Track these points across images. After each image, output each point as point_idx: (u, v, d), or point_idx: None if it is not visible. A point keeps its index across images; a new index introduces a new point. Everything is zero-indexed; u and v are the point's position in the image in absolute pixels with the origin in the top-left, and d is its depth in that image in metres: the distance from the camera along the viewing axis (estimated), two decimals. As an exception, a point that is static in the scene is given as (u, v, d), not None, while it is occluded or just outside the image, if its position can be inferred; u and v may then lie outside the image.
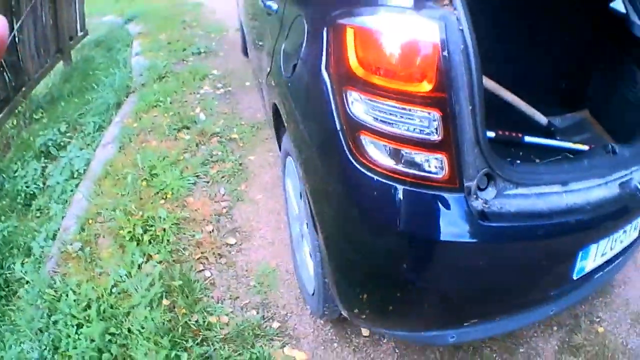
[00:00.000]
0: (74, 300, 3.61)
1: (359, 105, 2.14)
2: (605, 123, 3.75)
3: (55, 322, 3.52)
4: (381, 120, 2.09)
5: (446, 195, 2.14)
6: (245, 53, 7.45)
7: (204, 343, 3.33)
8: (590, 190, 2.51)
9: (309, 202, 2.75)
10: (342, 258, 2.64)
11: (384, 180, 2.15)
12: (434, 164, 2.08)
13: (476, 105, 2.03)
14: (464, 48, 1.97)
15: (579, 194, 2.46)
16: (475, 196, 2.16)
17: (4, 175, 6.09)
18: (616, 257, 2.96)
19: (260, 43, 4.07)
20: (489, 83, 3.42)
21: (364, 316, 2.72)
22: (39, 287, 3.86)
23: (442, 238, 2.18)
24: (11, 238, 4.86)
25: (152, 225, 4.24)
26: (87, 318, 3.46)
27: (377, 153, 2.14)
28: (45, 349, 3.38)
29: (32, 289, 3.93)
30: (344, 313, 2.82)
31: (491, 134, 3.10)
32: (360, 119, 2.14)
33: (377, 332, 3.08)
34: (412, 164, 2.10)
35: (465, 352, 3.39)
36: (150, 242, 4.11)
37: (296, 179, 3.18)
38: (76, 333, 3.39)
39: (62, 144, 6.35)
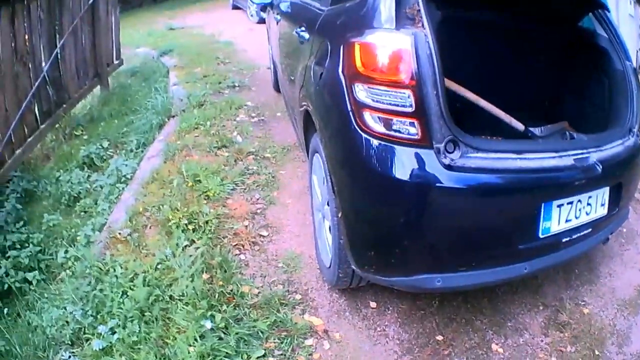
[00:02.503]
0: (121, 273, 4.07)
1: (362, 93, 3.08)
2: (580, 129, 4.18)
3: (101, 290, 3.95)
4: (376, 101, 3.03)
5: (421, 151, 2.98)
6: (276, 89, 8.17)
7: (237, 308, 3.80)
8: (544, 160, 3.22)
9: (330, 177, 3.55)
10: (356, 217, 3.38)
11: (380, 142, 3.04)
12: (411, 128, 2.97)
13: (439, 91, 2.94)
14: (430, 53, 2.94)
15: (531, 161, 3.17)
16: (443, 155, 2.96)
17: (45, 181, 6.49)
18: (585, 228, 3.53)
19: (292, 77, 4.85)
20: (470, 94, 4.03)
21: (372, 269, 3.41)
22: (87, 262, 4.28)
23: (417, 181, 3.00)
24: (55, 229, 5.34)
25: (195, 219, 4.75)
26: (132, 287, 3.91)
27: (375, 124, 3.05)
28: (88, 310, 3.81)
29: (80, 264, 4.37)
30: (356, 269, 3.50)
31: (481, 138, 3.69)
32: (364, 101, 3.07)
33: (380, 282, 3.59)
34: (397, 128, 3.00)
35: (458, 324, 3.87)
36: (194, 231, 4.62)
37: (321, 171, 3.92)
38: (121, 297, 3.83)
39: (104, 157, 6.80)
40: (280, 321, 3.78)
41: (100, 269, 4.21)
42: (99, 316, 3.78)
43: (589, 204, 3.50)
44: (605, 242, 4.14)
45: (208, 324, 3.58)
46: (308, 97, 4.01)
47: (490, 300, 4.11)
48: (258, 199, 5.35)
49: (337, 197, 3.47)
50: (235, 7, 20.21)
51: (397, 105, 2.97)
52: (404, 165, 3.00)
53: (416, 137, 2.97)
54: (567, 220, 3.40)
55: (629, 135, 3.73)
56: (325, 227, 4.04)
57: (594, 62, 4.24)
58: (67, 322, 3.80)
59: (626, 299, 4.24)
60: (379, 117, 3.03)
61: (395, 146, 3.01)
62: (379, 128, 3.03)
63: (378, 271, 3.42)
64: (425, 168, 2.98)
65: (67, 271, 4.47)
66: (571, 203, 3.39)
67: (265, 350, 3.55)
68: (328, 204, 3.80)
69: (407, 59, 2.94)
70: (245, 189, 5.54)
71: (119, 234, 4.69)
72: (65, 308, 3.91)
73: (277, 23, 6.51)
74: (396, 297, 4.07)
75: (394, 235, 3.20)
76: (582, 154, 3.37)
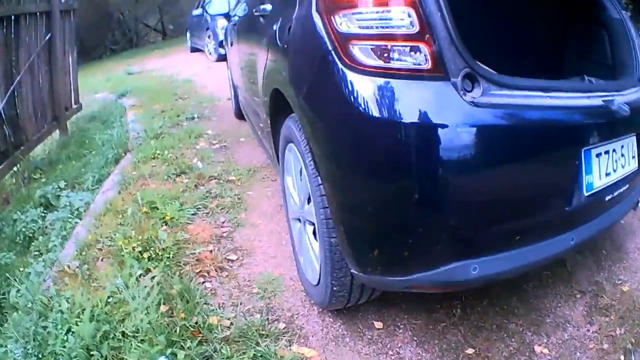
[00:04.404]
0: (67, 308, 3.41)
1: (345, 23, 2.44)
2: None
3: (44, 327, 3.33)
4: (365, 27, 2.40)
5: (435, 84, 2.30)
6: (238, 116, 7.78)
7: (204, 343, 3.11)
8: (574, 99, 2.72)
9: (312, 157, 2.87)
10: (353, 195, 2.63)
11: (377, 79, 2.36)
12: (417, 55, 2.30)
13: (444, 11, 2.30)
14: None
15: (562, 99, 2.63)
16: (462, 92, 2.29)
17: (3, 223, 6.02)
18: (622, 184, 3.04)
19: (254, 74, 4.30)
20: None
21: (379, 269, 2.65)
22: (31, 294, 3.71)
23: (437, 123, 2.28)
24: (7, 269, 4.75)
25: (151, 246, 4.09)
26: (78, 322, 3.24)
27: (366, 57, 2.38)
28: (30, 348, 3.22)
29: (24, 298, 3.77)
30: (358, 273, 2.76)
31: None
32: (348, 32, 2.43)
33: (391, 287, 2.85)
34: (398, 58, 2.32)
35: (489, 331, 3.29)
36: (149, 259, 3.93)
37: (298, 164, 3.26)
38: (66, 334, 3.20)
39: (60, 196, 6.22)
40: (261, 356, 3.05)
41: (44, 303, 3.56)
42: (41, 356, 3.16)
43: (622, 155, 3.03)
44: (636, 207, 3.60)
45: (162, 360, 2.84)
46: (276, 72, 3.38)
47: (520, 298, 3.58)
48: (223, 222, 4.67)
49: (324, 177, 2.77)
50: (193, 50, 20.31)
51: (394, 27, 2.33)
52: (414, 105, 2.30)
53: (426, 66, 2.30)
54: (607, 174, 2.90)
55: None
56: (309, 234, 3.31)
57: (589, 15, 3.84)
58: (9, 363, 3.20)
59: (660, 272, 3.89)
60: (371, 48, 2.37)
61: (399, 81, 2.34)
62: (373, 61, 2.36)
63: (388, 270, 2.67)
64: (443, 106, 2.30)
65: (19, 296, 3.88)
66: (607, 153, 2.87)
67: (247, 394, 2.84)
68: (309, 201, 3.10)
69: None
70: (208, 212, 4.86)
71: (68, 267, 4.02)
72: (7, 346, 3.33)
73: (235, 27, 6.11)
74: (405, 313, 3.44)
75: (411, 208, 2.42)
76: (607, 95, 2.87)
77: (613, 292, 3.63)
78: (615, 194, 3.00)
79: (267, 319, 3.38)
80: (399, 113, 2.29)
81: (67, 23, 9.80)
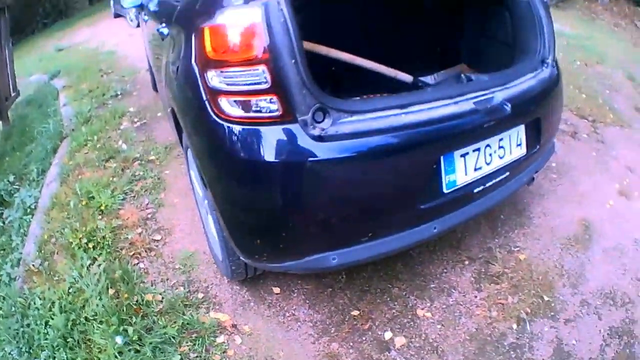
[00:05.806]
0: (41, 304, 3.75)
1: (215, 79, 2.68)
2: (483, 69, 3.76)
3: (28, 325, 3.65)
4: (231, 84, 2.66)
5: (285, 127, 2.64)
6: (155, 89, 7.71)
7: (145, 317, 3.52)
8: (436, 110, 2.84)
9: (199, 172, 3.19)
10: (232, 209, 3.03)
11: (242, 126, 2.69)
12: (271, 105, 2.62)
13: (298, 60, 2.56)
14: (284, 21, 2.53)
15: (420, 113, 2.80)
16: (312, 127, 2.61)
17: None
18: (500, 173, 3.21)
19: (160, 78, 4.37)
20: (342, 54, 3.63)
21: (263, 258, 3.10)
22: (11, 299, 3.98)
23: (287, 160, 2.65)
24: None
25: (94, 236, 4.42)
26: (52, 316, 3.59)
27: (232, 109, 2.69)
28: (22, 346, 3.54)
29: (6, 303, 4.03)
30: (247, 260, 3.21)
31: (356, 99, 3.31)
32: (218, 88, 2.69)
33: (274, 269, 3.26)
34: (257, 109, 2.64)
35: (373, 295, 3.59)
36: (94, 248, 4.29)
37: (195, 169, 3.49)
38: (45, 328, 3.56)
39: (12, 192, 6.30)
40: (187, 323, 3.52)
41: (22, 304, 3.89)
42: (31, 351, 3.52)
43: (501, 147, 3.20)
44: (531, 183, 3.83)
45: (119, 340, 3.33)
46: (171, 95, 3.53)
47: (406, 263, 3.81)
48: (147, 204, 4.98)
49: (209, 190, 3.11)
50: (117, 16, 19.36)
51: (253, 84, 2.62)
52: (270, 146, 2.66)
53: (277, 113, 2.63)
54: (476, 169, 3.10)
55: (543, 67, 3.45)
56: (210, 221, 3.63)
57: None
58: (8, 363, 3.51)
59: (570, 236, 4.03)
60: (235, 101, 2.68)
61: (258, 127, 2.68)
62: (238, 112, 2.69)
63: (269, 259, 3.11)
64: (292, 145, 2.65)
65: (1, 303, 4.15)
66: (478, 150, 3.07)
67: (180, 355, 3.32)
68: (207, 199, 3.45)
69: (258, 33, 2.56)
70: (134, 196, 5.15)
71: (32, 265, 4.35)
72: (4, 349, 3.64)
73: (146, 24, 6.11)
74: (299, 279, 3.82)
75: (275, 220, 2.85)
76: (484, 95, 3.04)
77: (507, 260, 3.74)
78: (489, 184, 3.15)
79: (189, 290, 3.82)
80: (260, 152, 2.66)
81: (2, 20, 9.48)
